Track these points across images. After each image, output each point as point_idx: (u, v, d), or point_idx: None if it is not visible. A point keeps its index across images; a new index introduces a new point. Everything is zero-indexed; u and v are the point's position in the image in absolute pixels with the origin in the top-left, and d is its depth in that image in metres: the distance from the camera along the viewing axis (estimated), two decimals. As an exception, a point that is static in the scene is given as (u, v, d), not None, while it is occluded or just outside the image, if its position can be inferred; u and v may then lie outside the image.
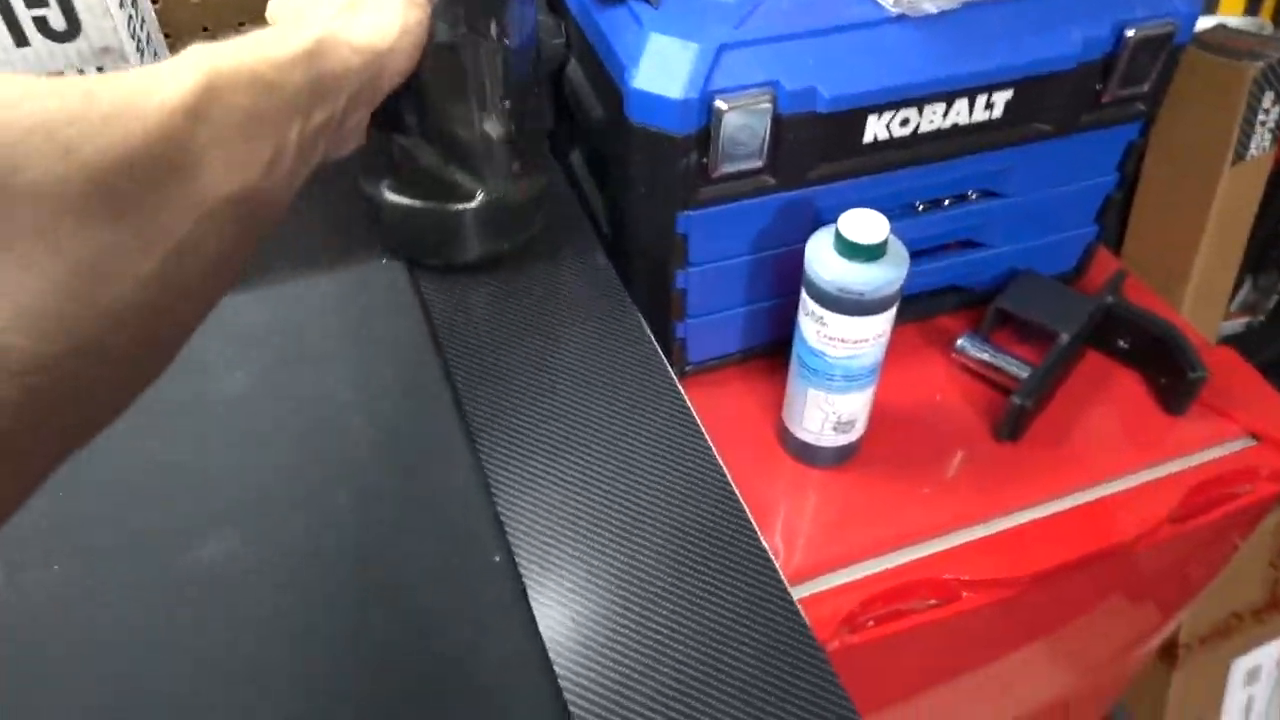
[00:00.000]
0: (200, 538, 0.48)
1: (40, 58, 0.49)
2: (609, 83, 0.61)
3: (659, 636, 0.46)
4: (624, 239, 0.65)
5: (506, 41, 0.55)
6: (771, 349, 0.71)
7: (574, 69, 0.69)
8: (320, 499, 0.50)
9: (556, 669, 0.44)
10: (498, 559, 0.47)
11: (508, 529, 0.49)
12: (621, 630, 0.46)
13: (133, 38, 0.51)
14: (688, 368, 0.70)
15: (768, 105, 0.57)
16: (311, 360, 0.57)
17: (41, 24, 0.48)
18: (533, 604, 0.46)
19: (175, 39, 0.62)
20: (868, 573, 0.61)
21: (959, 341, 0.72)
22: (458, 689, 0.43)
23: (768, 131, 0.57)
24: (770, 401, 0.69)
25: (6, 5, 0.47)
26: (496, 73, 0.56)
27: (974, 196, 0.70)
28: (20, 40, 0.49)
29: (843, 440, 0.64)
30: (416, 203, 0.61)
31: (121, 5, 0.50)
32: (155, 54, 0.55)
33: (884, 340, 0.59)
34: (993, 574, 0.63)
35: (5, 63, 0.49)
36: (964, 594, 0.63)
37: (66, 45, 0.49)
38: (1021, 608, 0.68)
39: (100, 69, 0.50)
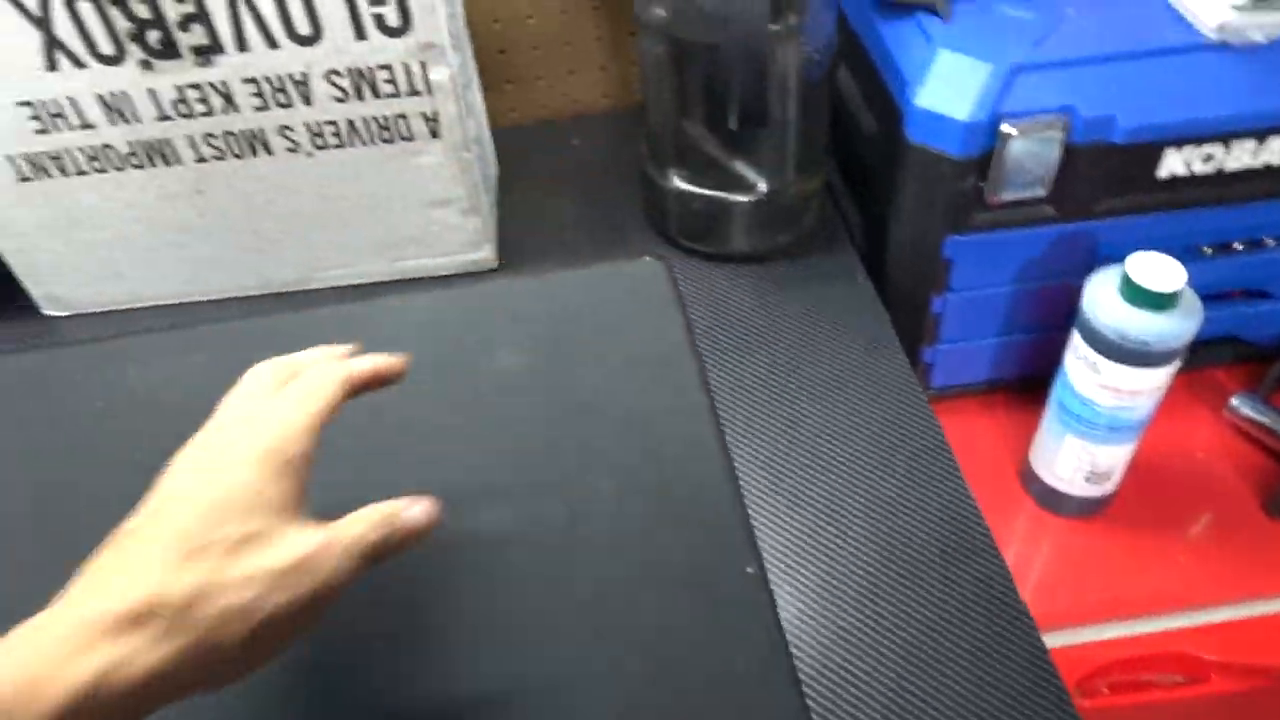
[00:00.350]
0: (473, 504, 0.51)
1: (374, 50, 0.54)
2: (884, 96, 0.60)
3: (904, 664, 0.46)
4: (882, 256, 0.64)
5: (803, 40, 0.55)
6: (1022, 383, 0.68)
7: (843, 77, 0.68)
8: (582, 483, 0.52)
9: (805, 687, 0.44)
10: (751, 570, 0.48)
11: (760, 542, 0.50)
12: (870, 653, 0.46)
13: (450, 35, 0.55)
14: (929, 392, 0.68)
15: (1059, 133, 0.54)
16: (578, 346, 0.60)
17: (379, 20, 0.53)
18: (783, 620, 0.47)
19: (474, 31, 0.66)
20: (1108, 636, 0.57)
21: (1233, 400, 0.66)
22: (699, 690, 0.44)
23: (1056, 160, 0.55)
24: (1014, 438, 0.66)
25: (352, 2, 0.52)
26: (789, 69, 0.56)
27: (1272, 243, 0.63)
28: (360, 35, 0.53)
29: (1095, 491, 0.60)
30: (698, 190, 0.63)
31: (447, 2, 0.54)
32: (462, 50, 0.59)
33: (1160, 394, 0.55)
34: (1249, 659, 0.58)
35: (344, 52, 0.54)
36: (1213, 676, 0.58)
37: (397, 40, 0.54)
38: (1274, 699, 0.62)
39: (423, 64, 0.55)
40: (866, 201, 0.68)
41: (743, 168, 0.61)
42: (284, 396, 0.40)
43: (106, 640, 0.32)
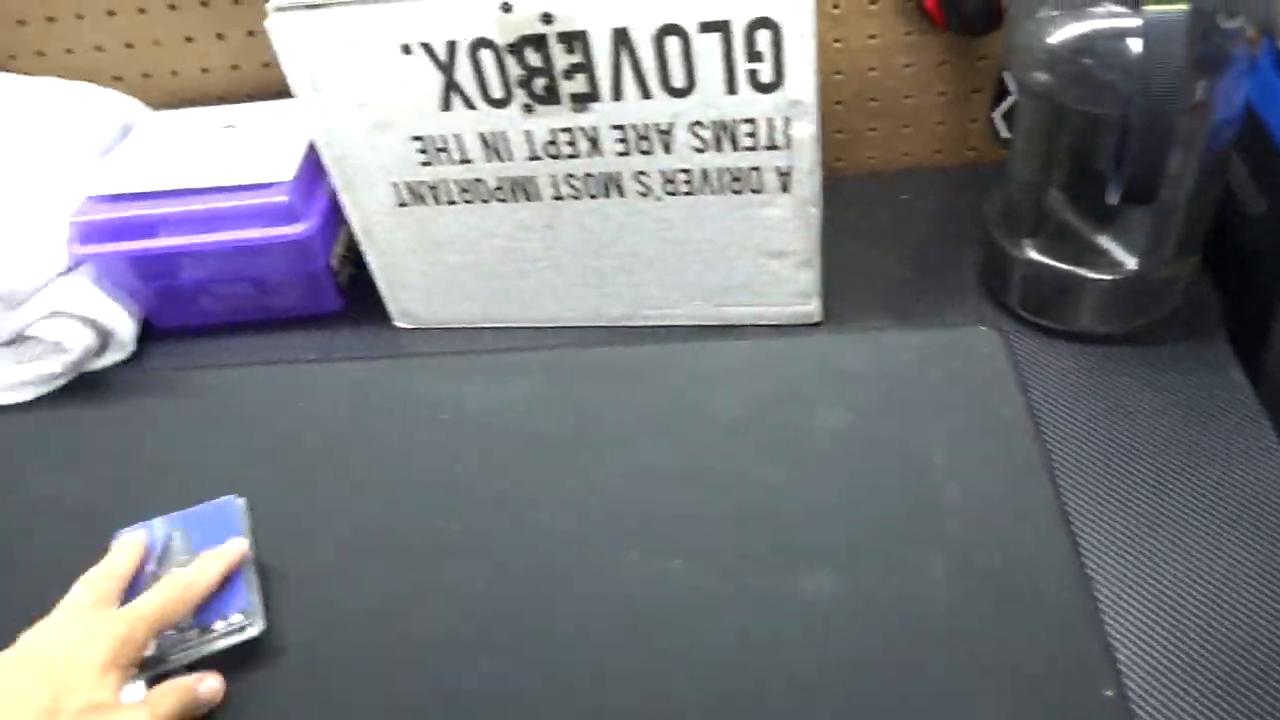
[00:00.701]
0: (795, 566, 0.51)
1: (742, 104, 0.55)
2: (1284, 176, 0.54)
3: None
4: (1256, 351, 0.58)
5: (1212, 111, 0.50)
6: None
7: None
8: (912, 559, 0.50)
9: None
10: (1109, 693, 0.44)
11: (1120, 663, 0.46)
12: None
13: (815, 91, 0.55)
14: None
15: None
16: (906, 412, 0.58)
17: (752, 76, 0.54)
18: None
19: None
20: None
21: None
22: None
23: None
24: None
25: (729, 58, 0.53)
26: (1194, 144, 0.52)
27: None
28: (731, 89, 0.55)
29: None
30: (1052, 262, 0.59)
31: (814, 60, 0.54)
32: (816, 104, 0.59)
33: None
34: None
35: (713, 105, 0.55)
36: None
37: (766, 96, 0.55)
38: None
39: (787, 119, 0.55)
40: (1241, 287, 0.61)
41: (1109, 243, 0.57)
42: (129, 610, 0.49)
43: None
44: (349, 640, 0.52)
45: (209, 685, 0.49)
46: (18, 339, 0.69)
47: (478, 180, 0.62)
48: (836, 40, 0.70)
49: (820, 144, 0.66)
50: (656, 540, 0.54)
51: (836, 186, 0.75)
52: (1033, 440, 0.55)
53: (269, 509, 0.58)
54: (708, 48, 0.53)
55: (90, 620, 0.48)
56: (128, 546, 0.54)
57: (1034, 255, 0.59)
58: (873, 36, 0.70)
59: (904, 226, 0.73)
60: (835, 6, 0.69)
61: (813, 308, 0.65)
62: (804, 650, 0.48)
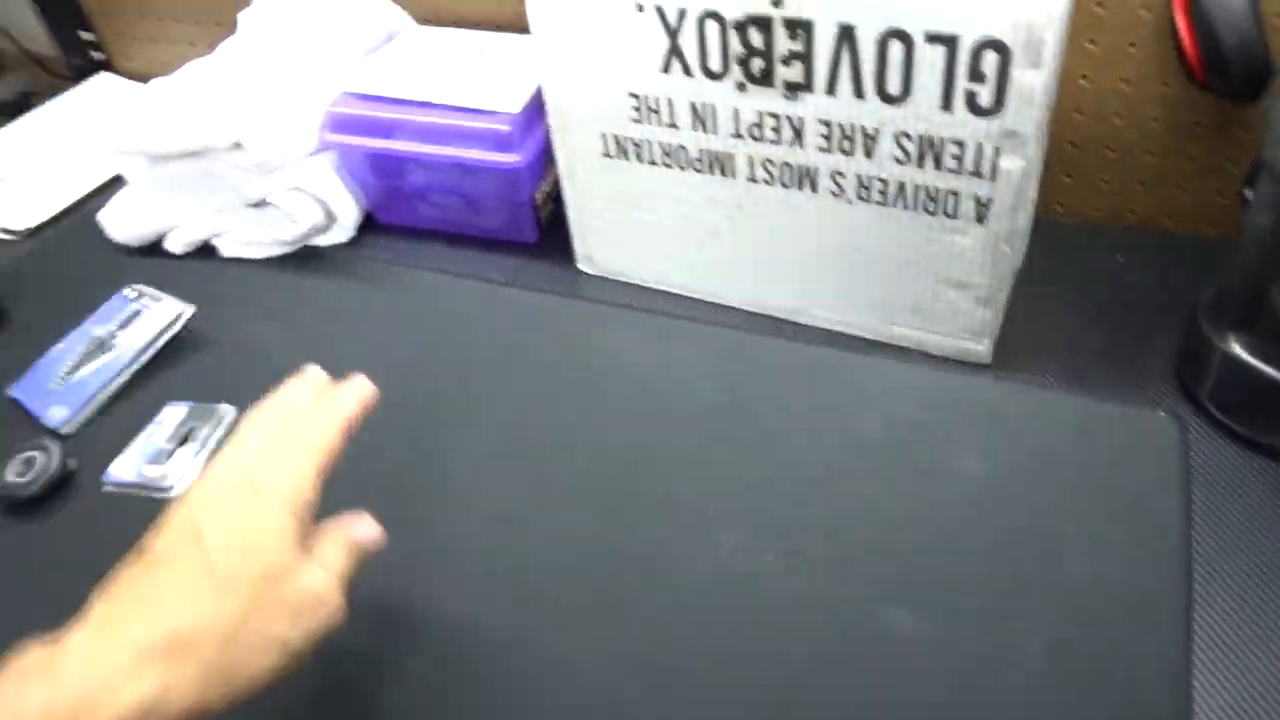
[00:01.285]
0: (888, 599, 0.50)
1: (954, 124, 0.54)
2: None
3: None
4: None
5: None
6: None
7: None
8: (1013, 624, 0.48)
9: None
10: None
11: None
12: None
13: (1036, 126, 0.52)
14: None
15: None
16: (1052, 477, 0.55)
17: (970, 97, 0.52)
18: None
19: (1052, 116, 0.62)
20: None
21: None
22: None
23: None
24: None
25: (950, 74, 0.52)
26: None
27: None
28: (945, 106, 0.53)
29: None
30: (1259, 364, 0.54)
31: (1047, 92, 0.51)
32: (1040, 140, 0.55)
33: None
34: None
35: (924, 119, 0.54)
36: None
37: (981, 120, 0.53)
38: None
39: (997, 149, 0.53)
40: None
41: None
42: (293, 445, 0.42)
43: (156, 664, 0.34)
44: (433, 548, 0.55)
45: (365, 530, 0.43)
46: (262, 203, 0.78)
47: (681, 147, 0.63)
48: (1083, 77, 0.66)
49: (1036, 182, 0.63)
50: (759, 534, 0.54)
51: (1049, 230, 0.71)
52: (1181, 543, 0.51)
53: (423, 404, 0.64)
54: (930, 59, 0.52)
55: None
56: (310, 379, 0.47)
57: (1239, 350, 0.54)
58: (1125, 81, 0.65)
59: (1109, 288, 0.67)
60: (1091, 41, 0.64)
61: (983, 348, 0.63)
62: (873, 681, 0.47)
